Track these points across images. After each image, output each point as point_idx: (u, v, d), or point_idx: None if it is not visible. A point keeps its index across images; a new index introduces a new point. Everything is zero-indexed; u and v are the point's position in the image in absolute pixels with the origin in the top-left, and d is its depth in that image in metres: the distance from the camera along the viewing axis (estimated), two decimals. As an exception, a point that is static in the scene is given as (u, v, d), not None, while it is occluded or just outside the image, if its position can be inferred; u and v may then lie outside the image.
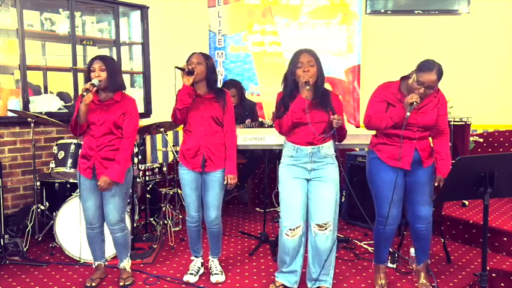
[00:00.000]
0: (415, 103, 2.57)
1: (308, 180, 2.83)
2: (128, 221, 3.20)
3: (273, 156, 4.27)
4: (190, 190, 3.03)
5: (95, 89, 2.79)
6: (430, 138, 2.86)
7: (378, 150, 2.83)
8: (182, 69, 2.86)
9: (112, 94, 2.91)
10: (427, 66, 2.61)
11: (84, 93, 2.74)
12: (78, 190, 3.52)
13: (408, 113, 2.58)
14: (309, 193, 2.83)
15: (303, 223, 2.82)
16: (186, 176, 3.02)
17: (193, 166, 2.99)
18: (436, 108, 2.75)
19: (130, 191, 3.31)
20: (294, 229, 2.81)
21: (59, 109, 4.39)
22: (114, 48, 4.79)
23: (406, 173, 2.81)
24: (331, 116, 2.70)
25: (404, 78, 2.78)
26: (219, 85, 4.31)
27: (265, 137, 3.49)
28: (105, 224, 3.03)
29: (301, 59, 2.72)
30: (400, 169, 2.77)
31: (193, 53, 2.99)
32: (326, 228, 2.79)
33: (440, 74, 2.62)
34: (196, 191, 3.04)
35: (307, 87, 2.66)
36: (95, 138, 2.87)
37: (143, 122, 4.35)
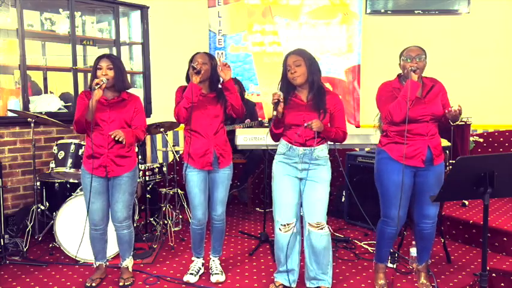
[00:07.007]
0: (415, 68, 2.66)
1: (300, 179, 2.83)
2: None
3: (273, 156, 4.26)
4: (199, 191, 3.00)
5: (104, 85, 2.77)
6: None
7: (390, 149, 2.79)
8: (194, 68, 2.85)
9: (118, 93, 2.92)
10: (407, 47, 2.78)
11: (96, 87, 2.72)
12: (77, 190, 3.55)
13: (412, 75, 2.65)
14: (302, 192, 2.83)
15: (295, 220, 2.83)
16: (195, 177, 2.99)
17: (203, 165, 2.98)
18: (439, 97, 2.78)
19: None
20: (286, 225, 2.81)
21: (59, 109, 4.39)
22: (114, 48, 4.78)
23: (416, 174, 2.80)
24: (305, 124, 2.65)
25: (400, 75, 2.83)
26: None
27: (265, 137, 3.48)
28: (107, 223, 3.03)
29: (288, 61, 2.73)
30: (411, 169, 2.76)
31: (198, 53, 2.99)
32: (322, 228, 2.79)
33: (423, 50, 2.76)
34: (204, 192, 3.03)
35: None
36: (106, 136, 2.84)
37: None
